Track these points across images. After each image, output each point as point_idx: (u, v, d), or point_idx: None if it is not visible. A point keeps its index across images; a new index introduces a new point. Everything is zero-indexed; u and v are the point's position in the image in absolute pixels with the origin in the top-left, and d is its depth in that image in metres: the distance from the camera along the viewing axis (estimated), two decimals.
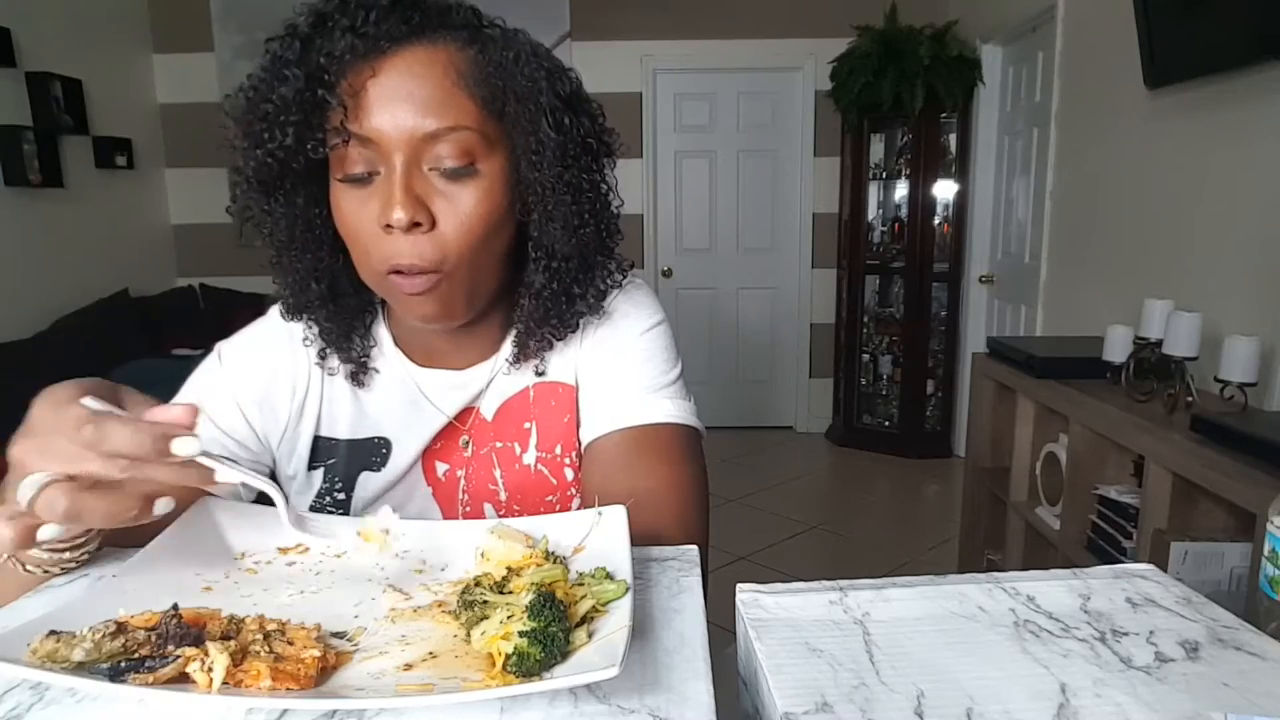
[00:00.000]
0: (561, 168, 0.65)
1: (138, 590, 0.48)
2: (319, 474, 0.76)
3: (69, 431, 0.43)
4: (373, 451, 0.76)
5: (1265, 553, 0.57)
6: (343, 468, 0.76)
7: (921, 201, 3.82)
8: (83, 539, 0.54)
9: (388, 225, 0.61)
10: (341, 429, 0.76)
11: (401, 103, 0.60)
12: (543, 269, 0.69)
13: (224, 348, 0.77)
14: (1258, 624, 0.47)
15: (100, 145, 3.61)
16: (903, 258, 3.93)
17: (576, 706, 0.39)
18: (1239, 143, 1.91)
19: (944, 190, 3.87)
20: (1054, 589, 0.51)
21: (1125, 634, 0.46)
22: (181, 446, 0.43)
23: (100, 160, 3.61)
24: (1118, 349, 1.87)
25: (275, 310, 0.77)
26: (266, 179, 0.65)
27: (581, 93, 0.69)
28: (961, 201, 3.81)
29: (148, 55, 4.04)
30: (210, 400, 0.74)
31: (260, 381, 0.75)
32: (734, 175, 4.32)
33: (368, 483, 0.76)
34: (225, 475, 0.46)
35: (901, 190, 3.94)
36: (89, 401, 0.45)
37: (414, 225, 0.61)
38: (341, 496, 0.76)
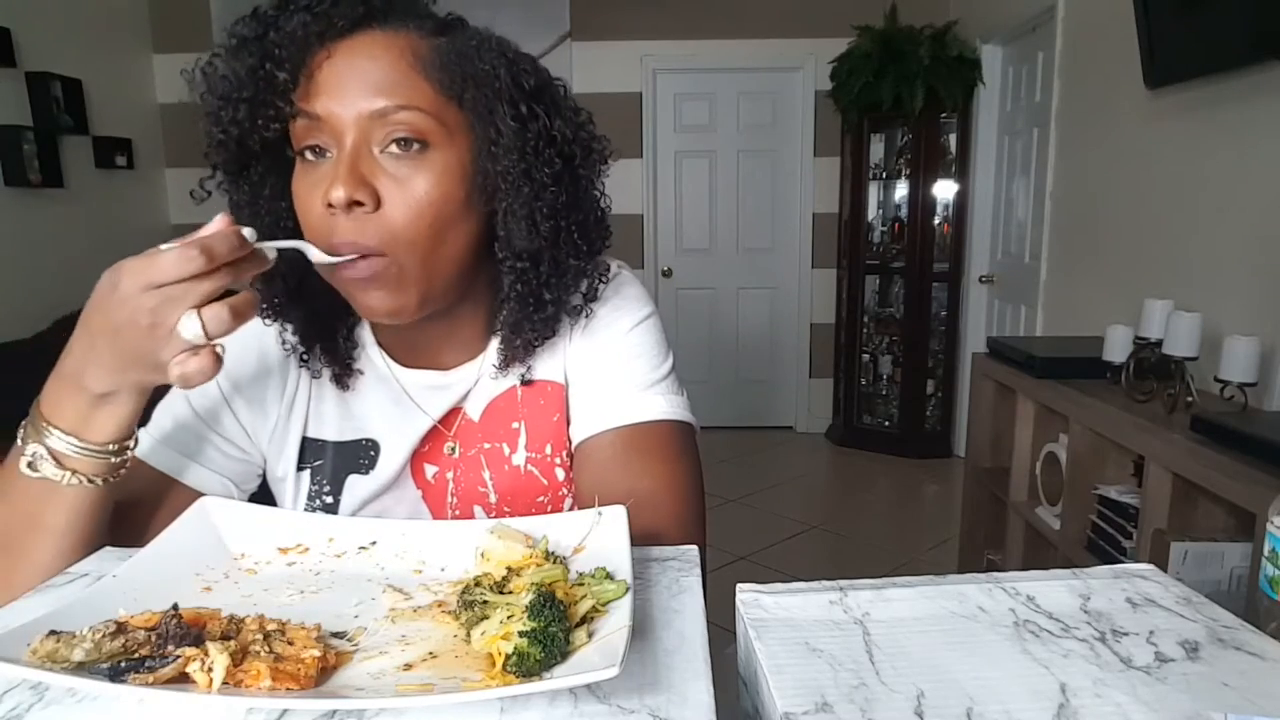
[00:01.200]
0: (519, 157, 0.63)
1: (138, 590, 0.48)
2: (306, 476, 0.76)
3: (179, 269, 0.49)
4: (360, 454, 0.75)
5: (1265, 553, 0.57)
6: (330, 470, 0.75)
7: (921, 201, 3.82)
8: (117, 446, 0.58)
9: (330, 205, 0.60)
10: (328, 430, 0.75)
11: (353, 82, 0.60)
12: (509, 268, 0.67)
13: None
14: (1258, 624, 0.47)
15: (100, 145, 3.61)
16: (903, 258, 3.93)
17: (576, 706, 0.39)
18: (1239, 143, 1.91)
19: (944, 190, 3.87)
20: (1054, 589, 0.51)
21: (1125, 634, 0.46)
22: (251, 234, 0.52)
23: (100, 160, 3.61)
24: (1118, 349, 1.87)
25: None
26: (226, 160, 0.65)
27: (559, 96, 0.68)
28: (961, 201, 3.81)
29: (148, 55, 4.04)
30: (199, 397, 0.73)
31: (249, 377, 0.74)
32: (734, 175, 4.32)
33: (355, 486, 0.75)
34: (270, 249, 0.55)
35: (901, 190, 3.94)
36: (163, 246, 0.50)
37: (355, 204, 0.60)
38: (330, 500, 0.75)
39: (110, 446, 0.57)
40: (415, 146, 0.61)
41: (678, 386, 0.76)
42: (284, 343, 0.74)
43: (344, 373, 0.75)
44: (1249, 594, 0.61)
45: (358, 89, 0.60)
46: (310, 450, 0.76)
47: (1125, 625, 0.47)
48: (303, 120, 0.62)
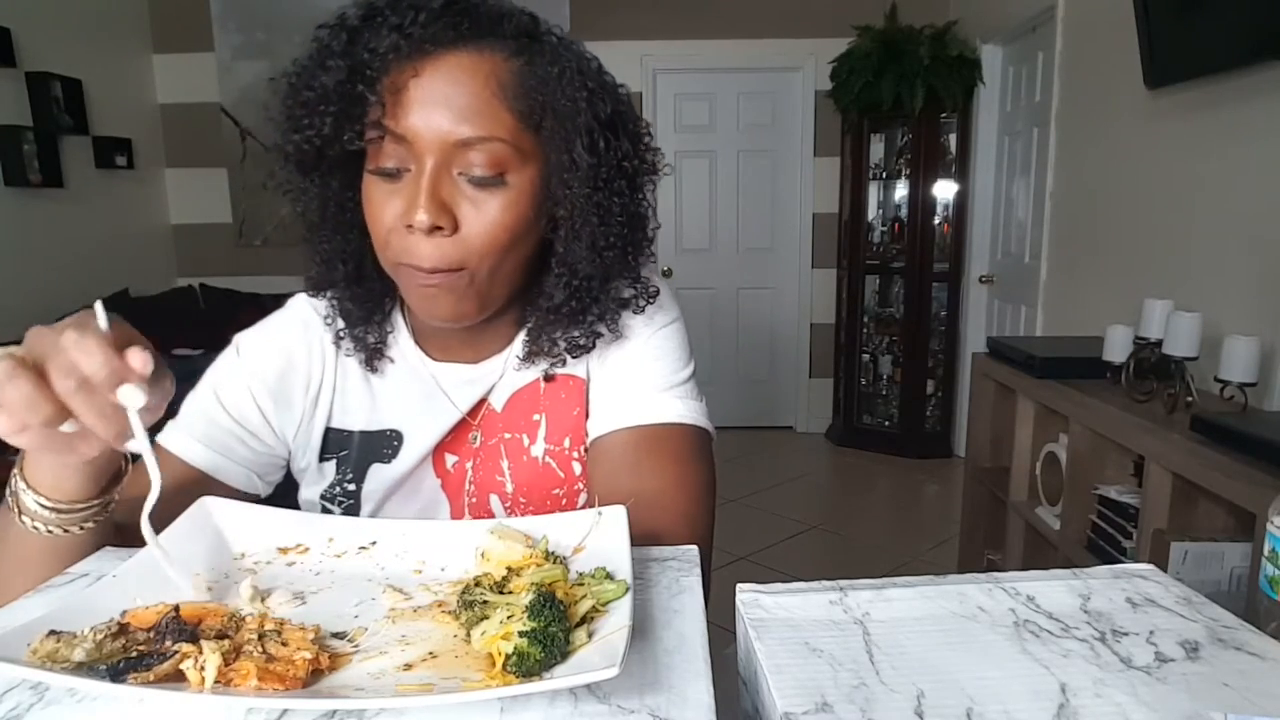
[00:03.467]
0: (592, 189, 0.65)
1: (138, 590, 0.48)
2: (330, 465, 0.77)
3: (62, 329, 0.45)
4: (384, 444, 0.76)
5: (1265, 553, 0.57)
6: (354, 459, 0.77)
7: (921, 201, 3.82)
8: (82, 506, 0.55)
9: (409, 225, 0.62)
10: (354, 420, 0.77)
11: (439, 107, 0.61)
12: (564, 285, 0.69)
13: (242, 340, 0.78)
14: (1258, 624, 0.47)
15: (100, 145, 3.61)
16: (903, 258, 3.93)
17: (576, 706, 0.39)
18: (1239, 143, 1.91)
19: (944, 190, 3.87)
20: (1054, 589, 0.51)
21: (1125, 634, 0.46)
22: (126, 395, 0.45)
23: (100, 160, 3.61)
24: (1118, 349, 1.87)
25: (293, 302, 0.78)
26: (303, 161, 0.66)
27: (625, 113, 0.69)
28: (961, 201, 3.81)
29: (148, 55, 4.04)
30: (226, 391, 0.75)
31: (276, 374, 0.76)
32: (734, 175, 4.32)
33: (378, 474, 0.76)
34: (134, 445, 0.47)
35: (901, 190, 3.93)
36: (100, 321, 0.46)
37: (435, 229, 0.62)
38: (352, 487, 0.77)
39: (78, 505, 0.55)
40: (493, 176, 0.63)
41: (697, 393, 0.77)
42: (326, 317, 0.75)
43: (375, 356, 0.76)
44: (1249, 594, 0.61)
45: (443, 115, 0.61)
46: (335, 440, 0.77)
47: (1125, 625, 0.47)
48: (387, 137, 0.63)
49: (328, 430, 0.77)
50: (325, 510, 0.78)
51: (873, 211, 4.05)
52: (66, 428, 0.45)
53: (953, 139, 3.80)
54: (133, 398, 0.45)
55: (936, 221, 3.89)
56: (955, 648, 0.44)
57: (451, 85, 0.61)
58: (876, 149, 4.00)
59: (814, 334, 4.42)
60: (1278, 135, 1.78)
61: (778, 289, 4.43)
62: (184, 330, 3.56)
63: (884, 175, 4.01)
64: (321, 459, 0.77)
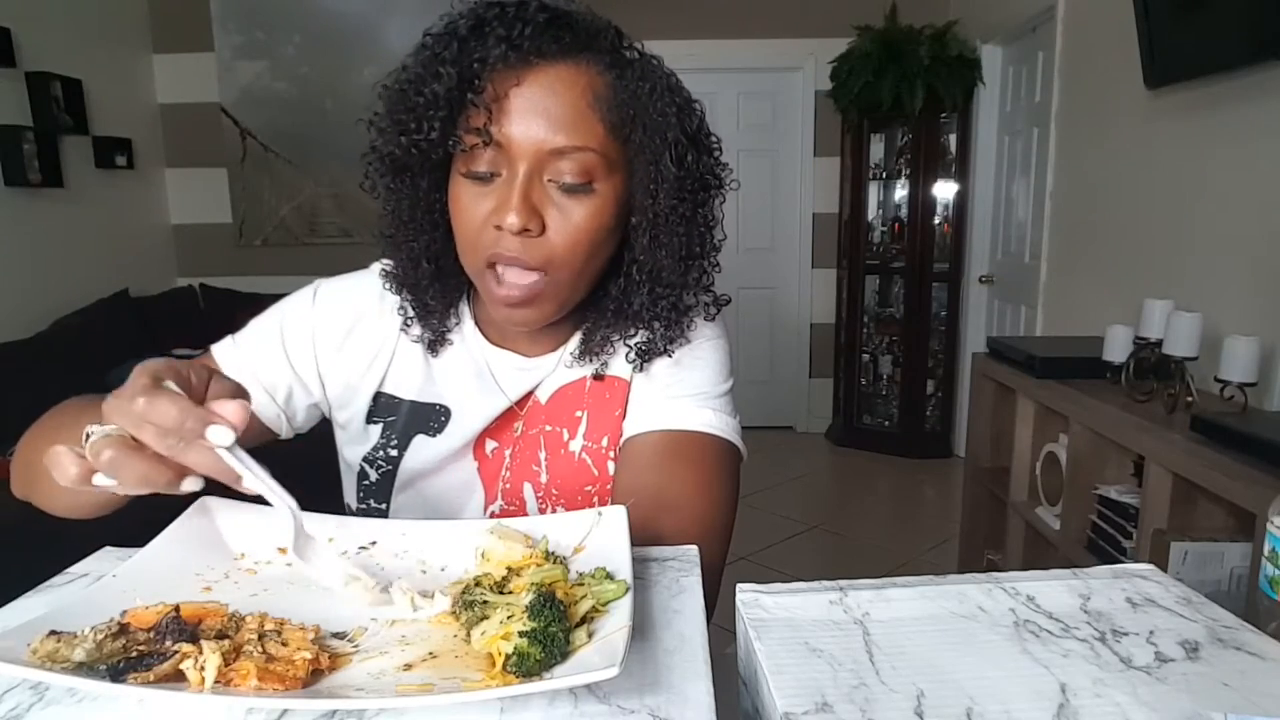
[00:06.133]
0: (677, 200, 0.68)
1: (138, 590, 0.48)
2: (377, 429, 0.79)
3: (131, 397, 0.45)
4: (432, 417, 0.78)
5: (1265, 553, 0.57)
6: (401, 426, 0.79)
7: (921, 201, 3.82)
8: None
9: (499, 225, 0.64)
10: (406, 389, 0.79)
11: (537, 116, 0.63)
12: (646, 291, 0.72)
13: (321, 287, 0.80)
14: (1258, 624, 0.47)
15: (100, 145, 3.60)
16: (903, 258, 3.93)
17: (576, 706, 0.39)
18: (1239, 143, 1.91)
19: (944, 190, 3.87)
20: (1054, 589, 0.51)
21: (1125, 634, 0.46)
22: (215, 434, 0.45)
23: (100, 160, 3.61)
24: (1118, 349, 1.87)
25: (376, 266, 0.80)
26: (399, 163, 0.68)
27: (703, 126, 0.71)
28: (961, 201, 3.81)
29: (148, 55, 4.03)
30: (291, 332, 0.77)
31: (342, 329, 0.78)
32: (734, 175, 4.30)
33: (422, 446, 0.78)
34: (249, 482, 0.47)
35: (901, 190, 3.93)
36: (169, 383, 0.47)
37: (524, 230, 0.64)
38: (394, 453, 0.79)
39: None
40: (582, 184, 0.65)
41: (732, 409, 0.79)
42: (399, 306, 0.77)
43: (438, 340, 0.78)
44: (1249, 594, 0.61)
45: (541, 123, 0.63)
46: (384, 405, 0.79)
47: (1125, 625, 0.47)
48: (483, 142, 0.64)
49: (378, 394, 0.78)
50: (364, 474, 0.79)
51: (873, 211, 4.05)
52: (188, 485, 0.47)
53: (953, 139, 3.80)
54: (221, 436, 0.45)
55: (936, 221, 3.89)
56: (955, 648, 0.44)
57: (550, 96, 0.64)
58: (876, 149, 4.00)
59: (814, 334, 4.42)
60: (1277, 135, 1.78)
61: (778, 289, 4.42)
62: (184, 330, 3.56)
63: (884, 175, 4.01)
64: (369, 420, 0.79)
